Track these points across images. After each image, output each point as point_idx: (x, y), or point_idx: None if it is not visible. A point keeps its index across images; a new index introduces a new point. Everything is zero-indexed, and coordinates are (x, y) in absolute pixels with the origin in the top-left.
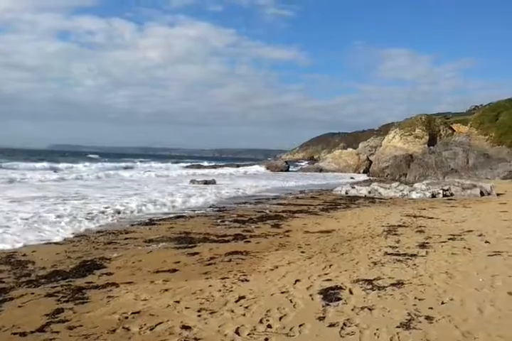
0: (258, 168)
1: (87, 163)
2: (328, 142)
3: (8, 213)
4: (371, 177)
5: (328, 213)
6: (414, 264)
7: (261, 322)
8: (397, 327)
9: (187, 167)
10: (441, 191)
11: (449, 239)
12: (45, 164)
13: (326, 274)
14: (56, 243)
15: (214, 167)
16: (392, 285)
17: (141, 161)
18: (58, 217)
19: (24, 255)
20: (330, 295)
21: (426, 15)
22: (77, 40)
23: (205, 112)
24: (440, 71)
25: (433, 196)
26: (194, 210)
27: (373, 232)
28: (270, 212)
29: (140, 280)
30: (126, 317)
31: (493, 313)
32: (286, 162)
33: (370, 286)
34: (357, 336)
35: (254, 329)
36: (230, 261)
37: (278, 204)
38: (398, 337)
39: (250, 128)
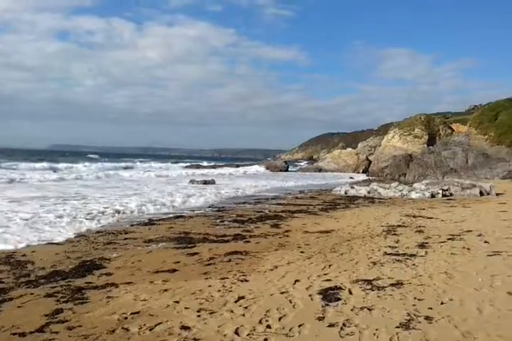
0: (257, 168)
1: (86, 163)
2: (328, 142)
3: (7, 213)
4: (370, 177)
5: (328, 213)
6: (414, 264)
7: (260, 322)
8: (397, 327)
9: (186, 167)
10: (440, 191)
11: (448, 239)
12: (44, 164)
13: (325, 274)
14: (56, 243)
15: (213, 167)
16: (392, 285)
17: (140, 161)
18: (58, 217)
19: (24, 255)
20: (329, 295)
21: (426, 15)
22: (77, 40)
23: (205, 112)
24: (440, 71)
25: (432, 196)
26: (193, 210)
27: (373, 232)
28: (269, 212)
29: (139, 281)
30: (126, 318)
31: (493, 313)
32: (285, 162)
33: (369, 286)
34: (356, 336)
35: (254, 330)
36: (229, 261)
37: (277, 204)
38: (398, 337)
39: (249, 128)
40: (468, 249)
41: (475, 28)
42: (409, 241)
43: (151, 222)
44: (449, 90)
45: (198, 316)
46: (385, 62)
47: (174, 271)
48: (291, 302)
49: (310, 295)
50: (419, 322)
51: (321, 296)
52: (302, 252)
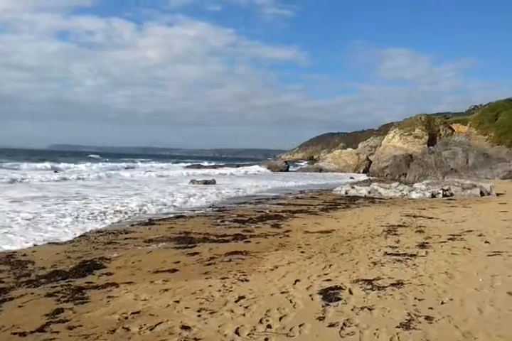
0: (258, 168)
1: (88, 163)
2: (328, 142)
3: (9, 213)
4: (371, 177)
5: (328, 213)
6: (414, 264)
7: (261, 322)
8: (397, 327)
9: (187, 167)
10: (441, 191)
11: (448, 239)
12: (46, 164)
13: (325, 274)
14: (56, 243)
15: (214, 167)
16: (392, 285)
17: (141, 161)
18: (60, 217)
19: (24, 255)
20: (330, 295)
21: (426, 15)
22: (77, 40)
23: (204, 112)
24: (440, 71)
25: (433, 196)
26: (194, 210)
27: (373, 232)
28: (270, 212)
29: (140, 280)
30: (126, 317)
31: (493, 313)
32: (285, 162)
33: (369, 286)
34: (357, 336)
35: (254, 330)
36: (229, 261)
37: (278, 204)
38: (398, 337)
39: (249, 128)
40: (468, 249)
41: (475, 28)
42: (409, 241)
43: (151, 222)
44: (449, 90)
45: (199, 316)
46: (385, 62)
47: (174, 270)
48: (291, 302)
49: (310, 295)
50: (420, 322)
51: (321, 296)
52: (302, 252)
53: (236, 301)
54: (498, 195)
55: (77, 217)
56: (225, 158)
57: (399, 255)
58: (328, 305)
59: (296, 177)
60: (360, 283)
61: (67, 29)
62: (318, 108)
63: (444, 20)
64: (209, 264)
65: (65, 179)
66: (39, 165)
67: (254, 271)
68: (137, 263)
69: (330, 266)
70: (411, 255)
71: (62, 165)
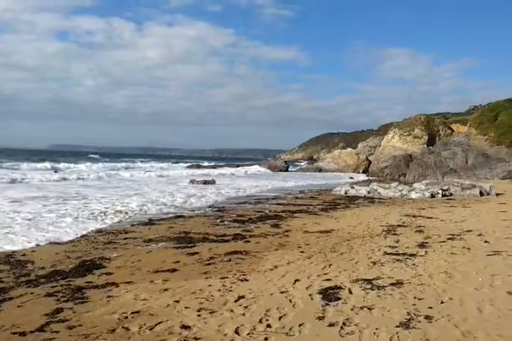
0: (258, 168)
1: (88, 163)
2: (328, 142)
3: (9, 213)
4: (370, 177)
5: (328, 213)
6: (414, 264)
7: (260, 321)
8: (397, 326)
9: (187, 167)
10: (440, 191)
11: (448, 239)
12: (46, 164)
13: (325, 274)
14: (56, 243)
15: (214, 167)
16: (392, 284)
17: (141, 161)
18: (60, 217)
19: (24, 255)
20: (329, 294)
21: (426, 15)
22: (77, 40)
23: (204, 112)
24: (440, 71)
25: (432, 196)
26: (194, 210)
27: (373, 232)
28: (270, 211)
29: (140, 280)
30: (126, 317)
31: (493, 313)
32: (285, 162)
33: (369, 286)
34: (356, 335)
35: (254, 329)
36: (229, 260)
37: (277, 204)
38: (398, 337)
39: (249, 128)
40: (468, 248)
41: (475, 28)
42: (409, 240)
43: (151, 222)
44: (449, 90)
45: (198, 315)
46: (385, 62)
47: (174, 270)
48: (291, 301)
49: (310, 295)
50: (419, 322)
51: (321, 296)
52: (302, 252)
53: (236, 301)
54: (497, 195)
55: (77, 217)
56: (225, 158)
57: (398, 255)
58: (327, 304)
59: (295, 177)
60: (360, 282)
61: (67, 29)
62: (318, 108)
63: (444, 21)
64: (209, 264)
65: (65, 179)
66: (39, 165)
67: (253, 270)
68: (137, 262)
69: (329, 265)
70: (410, 255)
71: (62, 165)
